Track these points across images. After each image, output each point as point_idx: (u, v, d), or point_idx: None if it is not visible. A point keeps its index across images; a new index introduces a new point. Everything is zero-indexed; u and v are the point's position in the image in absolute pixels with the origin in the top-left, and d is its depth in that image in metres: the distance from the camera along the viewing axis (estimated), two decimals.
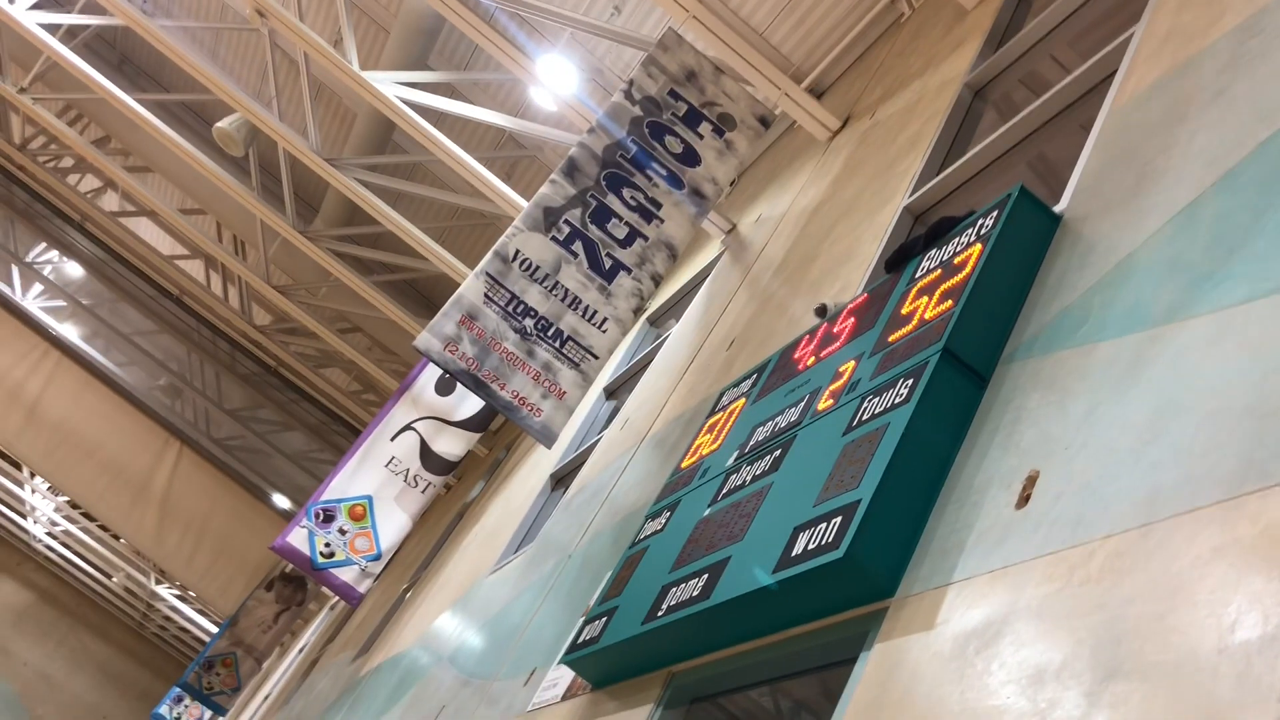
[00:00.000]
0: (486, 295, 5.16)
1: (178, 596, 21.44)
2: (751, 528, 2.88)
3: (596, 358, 5.34)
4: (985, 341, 2.71)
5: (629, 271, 5.58)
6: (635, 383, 7.24)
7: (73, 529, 21.26)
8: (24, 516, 22.58)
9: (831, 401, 3.06)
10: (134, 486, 15.72)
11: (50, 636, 23.90)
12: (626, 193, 5.76)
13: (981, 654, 1.99)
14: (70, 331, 15.75)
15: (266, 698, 16.16)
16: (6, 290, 15.49)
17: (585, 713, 3.71)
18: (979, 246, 2.88)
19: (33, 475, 19.91)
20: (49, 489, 20.24)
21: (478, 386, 5.02)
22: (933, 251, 3.22)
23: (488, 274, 5.20)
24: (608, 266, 5.53)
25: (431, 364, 6.98)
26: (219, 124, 11.08)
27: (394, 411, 8.54)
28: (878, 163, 5.27)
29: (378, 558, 7.96)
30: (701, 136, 6.14)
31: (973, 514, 2.32)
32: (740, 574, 2.72)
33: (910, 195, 4.43)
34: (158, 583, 21.25)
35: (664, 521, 3.69)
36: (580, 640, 3.64)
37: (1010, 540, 2.15)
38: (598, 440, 6.93)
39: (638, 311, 5.67)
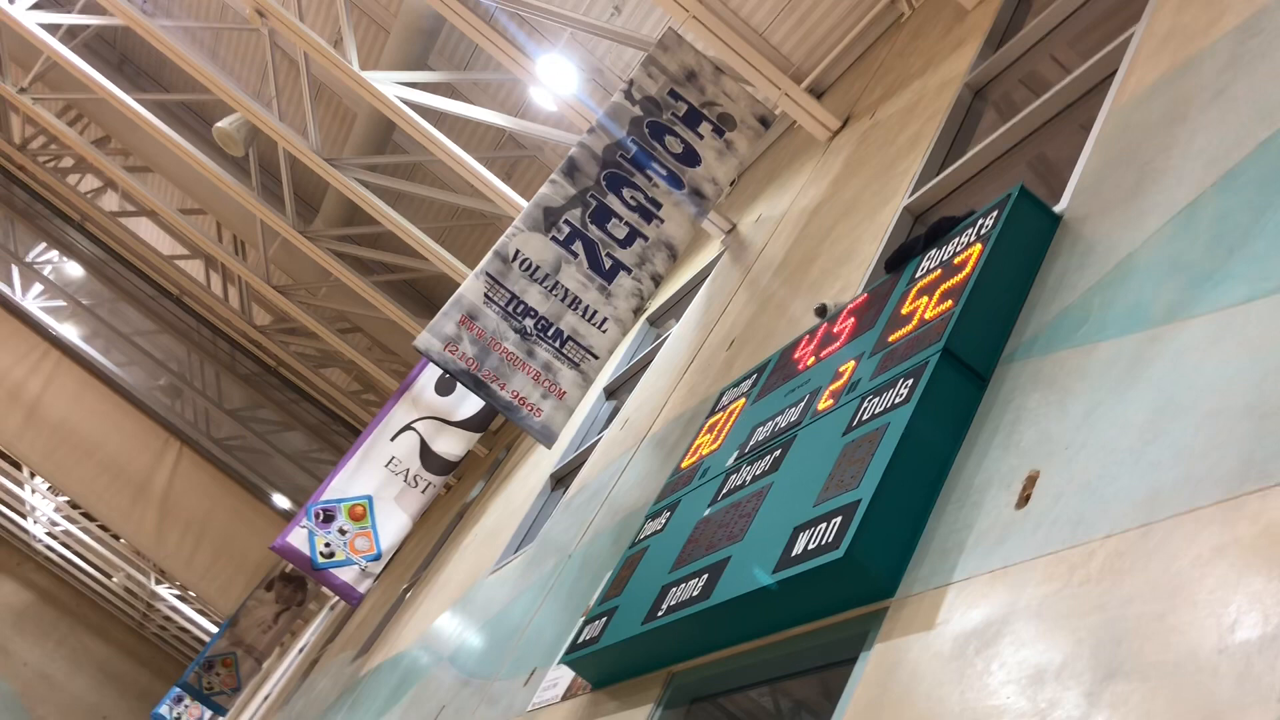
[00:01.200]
0: (486, 295, 5.16)
1: (178, 596, 21.45)
2: (751, 528, 2.88)
3: (596, 358, 5.34)
4: (985, 341, 2.71)
5: (629, 271, 5.58)
6: (635, 383, 7.24)
7: (73, 529, 21.27)
8: (24, 516, 22.58)
9: (831, 401, 3.06)
10: (134, 486, 15.72)
11: (50, 636, 23.91)
12: (626, 193, 5.76)
13: (981, 654, 1.99)
14: (70, 331, 15.76)
15: (266, 698, 16.16)
16: (6, 290, 15.49)
17: (585, 713, 3.71)
18: (979, 246, 2.88)
19: (33, 475, 19.92)
20: (49, 489, 20.25)
21: (478, 386, 5.02)
22: (933, 251, 3.22)
23: (488, 274, 5.20)
24: (608, 266, 5.53)
25: (431, 364, 6.98)
26: (219, 124, 11.08)
27: (394, 411, 8.54)
28: (878, 163, 5.27)
29: (378, 558, 7.96)
30: (701, 136, 6.14)
31: (973, 514, 2.32)
32: (740, 574, 2.72)
33: (910, 195, 4.43)
34: (158, 583, 21.25)
35: (664, 521, 3.69)
36: (580, 640, 3.64)
37: (1010, 540, 2.15)
38: (598, 440, 6.93)
39: (638, 311, 5.67)
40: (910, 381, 2.63)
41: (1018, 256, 2.85)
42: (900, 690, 2.15)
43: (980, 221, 3.01)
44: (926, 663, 2.12)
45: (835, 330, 3.50)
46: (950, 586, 2.22)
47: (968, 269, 2.84)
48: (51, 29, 10.69)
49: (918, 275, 3.17)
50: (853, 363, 3.13)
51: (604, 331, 5.38)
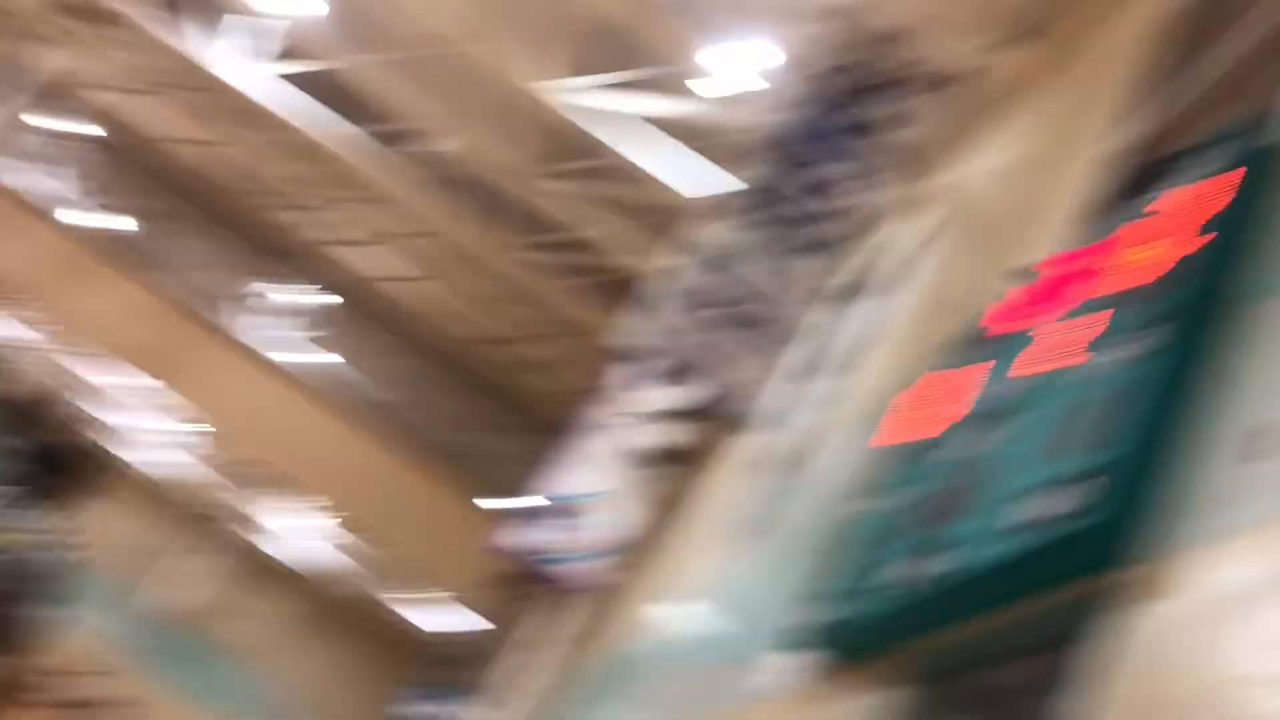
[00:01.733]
0: (679, 287, 5.24)
1: (408, 599, 22.72)
2: (982, 497, 2.79)
3: (794, 337, 5.32)
4: (1235, 283, 2.49)
5: (819, 249, 5.53)
6: (840, 359, 7.13)
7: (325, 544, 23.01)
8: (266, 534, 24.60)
9: (1057, 361, 2.92)
10: (365, 495, 16.96)
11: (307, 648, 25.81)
12: (812, 170, 5.70)
13: (1246, 619, 1.86)
14: (314, 357, 17.25)
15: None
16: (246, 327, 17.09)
17: (821, 694, 3.71)
18: (1214, 181, 2.67)
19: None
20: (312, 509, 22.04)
21: (681, 376, 5.11)
22: (1152, 194, 3.01)
23: (678, 266, 5.28)
24: (796, 246, 5.50)
25: (638, 359, 7.14)
26: (425, 147, 11.70)
27: (607, 408, 8.78)
28: (1076, 106, 4.97)
29: (605, 551, 8.21)
30: (890, 102, 5.99)
31: (1229, 469, 2.16)
32: (973, 546, 2.65)
33: (1118, 137, 4.15)
34: (387, 586, 22.61)
35: (888, 496, 3.64)
36: (812, 622, 3.64)
37: (1271, 494, 1.99)
38: (809, 418, 6.87)
39: (832, 287, 5.61)
40: (1146, 333, 2.48)
41: (1260, 189, 2.61)
42: (1152, 659, 2.04)
43: (1210, 155, 2.79)
44: (1180, 629, 2.01)
45: (1052, 287, 3.34)
46: (1206, 547, 2.09)
47: (1207, 207, 2.63)
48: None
49: (1140, 219, 2.98)
50: (1080, 319, 2.97)
51: (798, 309, 5.36)
